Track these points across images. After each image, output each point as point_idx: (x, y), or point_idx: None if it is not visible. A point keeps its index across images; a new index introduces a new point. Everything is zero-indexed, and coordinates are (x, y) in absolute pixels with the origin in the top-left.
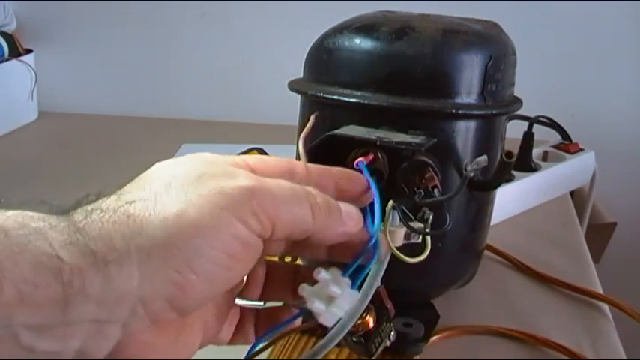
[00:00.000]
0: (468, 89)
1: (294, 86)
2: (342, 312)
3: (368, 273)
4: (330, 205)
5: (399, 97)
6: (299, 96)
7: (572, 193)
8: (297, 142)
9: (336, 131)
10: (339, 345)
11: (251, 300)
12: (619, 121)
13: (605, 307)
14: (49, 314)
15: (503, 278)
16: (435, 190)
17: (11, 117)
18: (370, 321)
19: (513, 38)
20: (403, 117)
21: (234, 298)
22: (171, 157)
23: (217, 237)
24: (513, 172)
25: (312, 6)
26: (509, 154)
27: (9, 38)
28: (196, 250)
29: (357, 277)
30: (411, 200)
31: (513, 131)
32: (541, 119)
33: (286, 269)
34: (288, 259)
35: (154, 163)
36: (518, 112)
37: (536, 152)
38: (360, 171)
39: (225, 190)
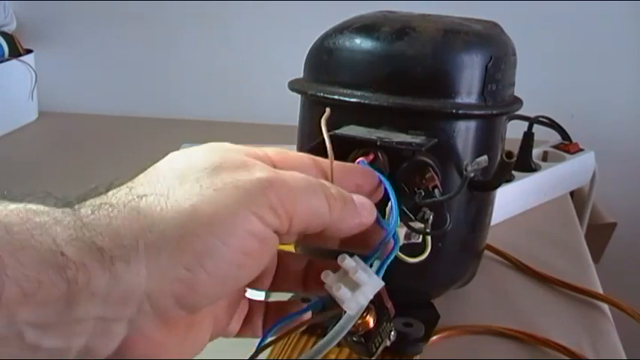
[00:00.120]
0: (468, 89)
1: (294, 86)
2: (367, 300)
3: (385, 262)
4: (344, 196)
5: (399, 97)
6: (299, 96)
7: (572, 193)
8: (321, 125)
9: (336, 131)
10: (339, 345)
11: (261, 290)
12: (619, 121)
13: (605, 307)
14: (53, 312)
15: (503, 278)
16: (436, 190)
17: (11, 117)
18: (370, 321)
19: (513, 38)
20: (403, 117)
21: (245, 290)
22: None
23: (232, 233)
24: (513, 172)
25: (312, 6)
26: (509, 154)
27: (9, 38)
28: (209, 247)
29: (381, 265)
30: (411, 200)
31: (513, 131)
32: (541, 119)
33: (299, 260)
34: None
35: (154, 163)
36: (518, 112)
37: (536, 152)
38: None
39: (241, 183)
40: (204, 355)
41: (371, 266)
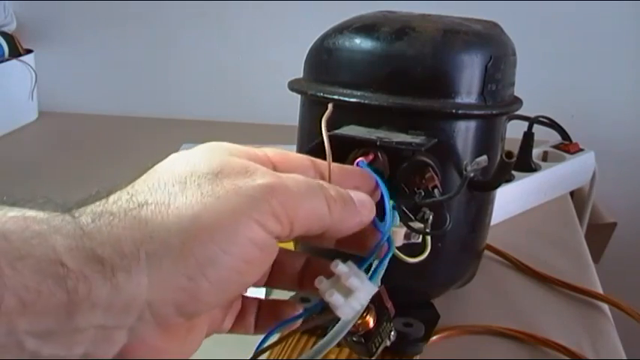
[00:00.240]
0: (468, 89)
1: (294, 86)
2: (361, 305)
3: (378, 267)
4: (343, 196)
5: (399, 97)
6: (299, 96)
7: (572, 193)
8: (321, 125)
9: (336, 131)
10: (339, 345)
11: (256, 287)
12: (619, 121)
13: (605, 307)
14: (53, 322)
15: (503, 278)
16: (435, 190)
17: (11, 117)
18: (370, 321)
19: (513, 38)
20: (403, 117)
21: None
22: None
23: (234, 242)
24: (513, 172)
25: (312, 6)
26: (509, 154)
27: (9, 38)
28: (211, 256)
29: (375, 271)
30: (411, 200)
31: (513, 131)
32: (541, 119)
33: (296, 259)
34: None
35: (154, 164)
36: (518, 112)
37: (536, 152)
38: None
39: (243, 190)
40: (203, 355)
41: (368, 270)
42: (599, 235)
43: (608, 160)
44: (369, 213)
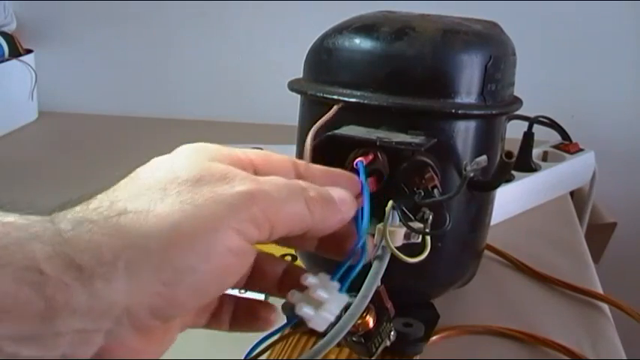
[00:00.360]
0: (468, 89)
1: (294, 86)
2: (333, 316)
3: (355, 275)
4: (324, 196)
5: (399, 97)
6: (299, 96)
7: (572, 193)
8: (308, 135)
9: (336, 131)
10: (339, 345)
11: (234, 288)
12: (619, 121)
13: (605, 307)
14: (31, 327)
15: (503, 278)
16: (435, 190)
17: (11, 117)
18: (370, 321)
19: (513, 38)
20: (403, 117)
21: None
22: None
23: (212, 251)
24: (513, 172)
25: (312, 6)
26: (509, 154)
27: (9, 38)
28: (189, 265)
29: (345, 281)
30: (410, 200)
31: (513, 131)
32: (541, 119)
33: (276, 263)
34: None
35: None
36: (518, 112)
37: (536, 152)
38: (358, 171)
39: (222, 197)
40: (203, 355)
41: (345, 278)
42: (599, 235)
43: (608, 160)
44: (349, 209)
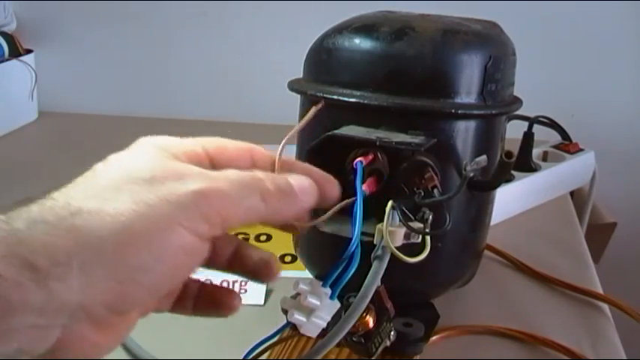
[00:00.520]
0: (468, 89)
1: (294, 86)
2: (324, 322)
3: (348, 281)
4: (281, 188)
5: (398, 97)
6: (299, 96)
7: (572, 193)
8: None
9: (336, 131)
10: (339, 345)
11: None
12: (619, 121)
13: (605, 307)
14: None
15: (503, 278)
16: (435, 190)
17: (11, 117)
18: (370, 321)
19: (513, 38)
20: (403, 117)
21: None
22: None
23: (165, 250)
24: (513, 172)
25: (312, 6)
26: (509, 154)
27: (9, 38)
28: (142, 264)
29: (337, 286)
30: (410, 200)
31: (513, 131)
32: (541, 119)
33: (229, 242)
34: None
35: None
36: (518, 112)
37: (536, 152)
38: (356, 171)
39: (174, 197)
40: (203, 355)
41: (337, 283)
42: (599, 235)
43: (608, 160)
44: (310, 199)
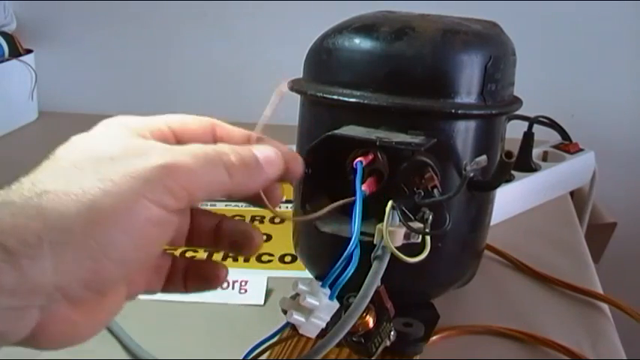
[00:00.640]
0: (468, 89)
1: (294, 86)
2: (323, 323)
3: (347, 281)
4: (245, 160)
5: (398, 97)
6: (299, 96)
7: (572, 193)
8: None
9: (336, 131)
10: (339, 345)
11: (176, 248)
12: (619, 121)
13: (605, 307)
14: None
15: (503, 278)
16: (435, 190)
17: (11, 117)
18: (370, 321)
19: (513, 38)
20: (403, 117)
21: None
22: None
23: (132, 224)
24: (513, 172)
25: (312, 6)
26: (509, 154)
27: (9, 38)
28: (111, 239)
29: (336, 287)
30: (410, 200)
31: (513, 131)
32: (541, 119)
33: (212, 218)
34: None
35: None
36: (518, 112)
37: (536, 152)
38: (356, 171)
39: (137, 172)
40: (203, 355)
41: (335, 283)
42: (599, 235)
43: (608, 160)
44: (275, 170)
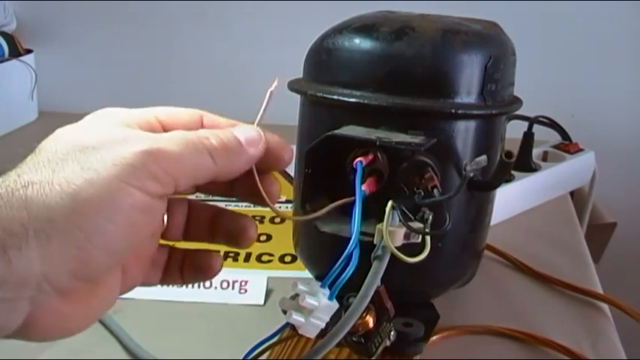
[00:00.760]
0: (468, 89)
1: (294, 86)
2: (322, 323)
3: (347, 281)
4: (225, 143)
5: (398, 97)
6: (299, 96)
7: (572, 193)
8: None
9: (336, 131)
10: (339, 345)
11: (173, 241)
12: (619, 121)
13: (605, 307)
14: None
15: (504, 278)
16: (435, 190)
17: (11, 117)
18: (370, 321)
19: (513, 38)
20: (403, 117)
21: (156, 243)
22: None
23: (116, 210)
24: (513, 172)
25: (312, 6)
26: (509, 154)
27: (9, 38)
28: (96, 227)
29: (335, 287)
30: (410, 200)
31: (513, 131)
32: (541, 119)
33: (208, 210)
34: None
35: None
36: (518, 112)
37: (536, 152)
38: (356, 171)
39: (120, 159)
40: (203, 355)
41: (335, 283)
42: (599, 235)
43: (608, 160)
44: (256, 149)
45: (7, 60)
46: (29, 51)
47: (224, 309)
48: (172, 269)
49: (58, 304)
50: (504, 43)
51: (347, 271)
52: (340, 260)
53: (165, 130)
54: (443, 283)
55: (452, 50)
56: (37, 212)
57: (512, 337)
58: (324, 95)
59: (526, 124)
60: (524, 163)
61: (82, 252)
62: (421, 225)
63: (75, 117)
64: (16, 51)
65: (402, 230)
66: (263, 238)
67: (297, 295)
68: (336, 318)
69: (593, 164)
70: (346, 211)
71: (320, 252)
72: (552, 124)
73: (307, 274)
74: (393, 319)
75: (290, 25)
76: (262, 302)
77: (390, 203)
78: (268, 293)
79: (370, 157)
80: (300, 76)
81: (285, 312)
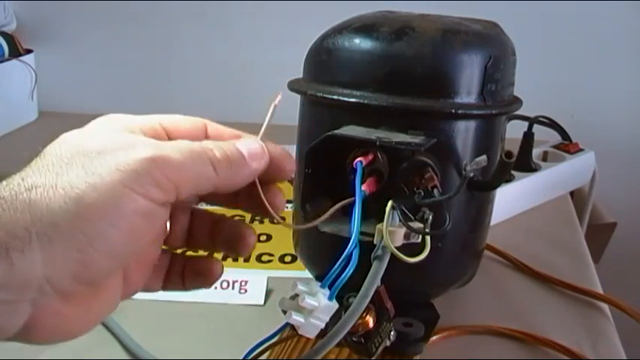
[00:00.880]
0: (468, 89)
1: (293, 86)
2: (322, 323)
3: (347, 281)
4: (228, 155)
5: (398, 97)
6: (299, 96)
7: (572, 193)
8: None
9: (336, 131)
10: (339, 345)
11: (175, 248)
12: (619, 121)
13: (605, 307)
14: None
15: (504, 278)
16: (435, 190)
17: (11, 117)
18: (370, 321)
19: (513, 38)
20: (403, 117)
21: (158, 249)
22: None
23: (119, 215)
24: (513, 172)
25: (312, 6)
26: (508, 154)
27: (9, 38)
28: (99, 231)
29: (335, 287)
30: (410, 200)
31: (513, 131)
32: (541, 119)
33: (210, 218)
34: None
35: None
36: (518, 112)
37: (536, 152)
38: (356, 171)
39: (124, 165)
40: (203, 355)
41: (334, 283)
42: (599, 235)
43: (608, 160)
44: (259, 163)
45: (7, 60)
46: (29, 51)
47: (224, 309)
48: (174, 276)
49: (59, 306)
50: (504, 43)
51: (347, 271)
52: (340, 260)
53: (169, 137)
54: (443, 283)
55: (452, 50)
56: (41, 215)
57: (512, 337)
58: (324, 95)
59: (526, 124)
60: (524, 163)
61: (84, 255)
62: (421, 225)
63: (75, 117)
64: (16, 51)
65: (402, 230)
66: (263, 238)
67: (296, 295)
68: (336, 318)
69: (593, 164)
70: (346, 211)
71: (320, 252)
72: (552, 124)
73: (307, 274)
74: (393, 319)
75: (290, 25)
76: (262, 302)
77: (390, 203)
78: (268, 293)
79: (370, 157)
80: (300, 76)
81: (284, 312)
